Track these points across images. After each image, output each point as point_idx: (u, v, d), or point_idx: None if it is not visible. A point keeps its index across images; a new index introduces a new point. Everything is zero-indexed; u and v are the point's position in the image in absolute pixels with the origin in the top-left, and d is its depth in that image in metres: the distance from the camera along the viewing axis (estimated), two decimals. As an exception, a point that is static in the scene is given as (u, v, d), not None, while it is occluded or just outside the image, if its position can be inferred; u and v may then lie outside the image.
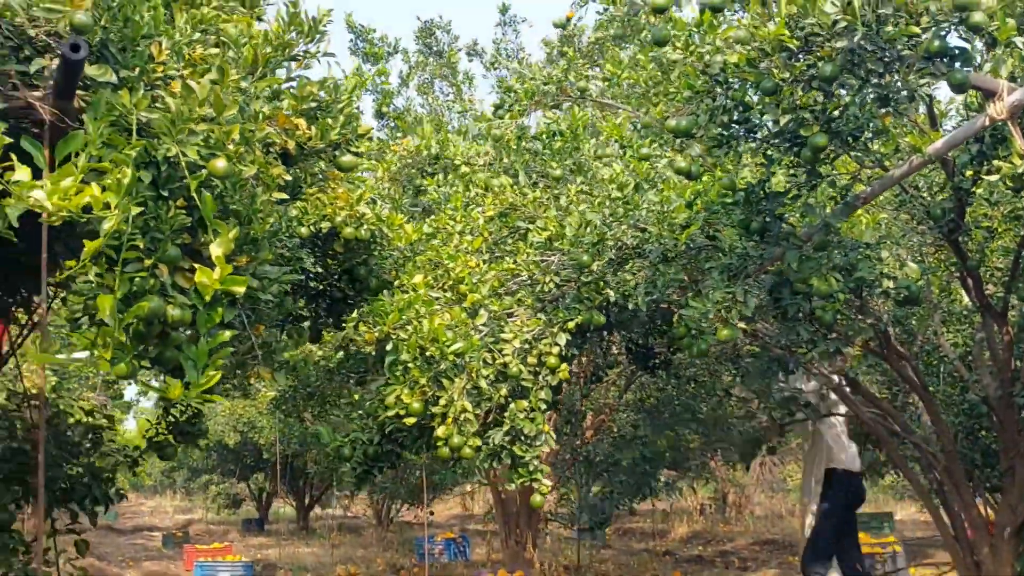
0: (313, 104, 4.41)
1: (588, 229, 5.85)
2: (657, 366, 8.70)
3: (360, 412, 6.06)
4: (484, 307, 5.88)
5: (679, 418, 13.13)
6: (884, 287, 6.07)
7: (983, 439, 8.03)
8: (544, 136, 7.12)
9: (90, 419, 5.77)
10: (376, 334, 5.78)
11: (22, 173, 3.35)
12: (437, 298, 6.08)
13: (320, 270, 6.01)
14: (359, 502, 31.82)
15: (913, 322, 8.10)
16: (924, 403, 7.84)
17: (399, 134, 11.44)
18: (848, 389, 8.17)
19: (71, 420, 5.72)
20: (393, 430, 5.88)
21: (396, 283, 6.18)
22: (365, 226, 5.97)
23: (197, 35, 4.05)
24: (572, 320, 5.91)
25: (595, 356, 9.75)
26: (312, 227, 5.62)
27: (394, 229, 6.29)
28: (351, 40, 14.34)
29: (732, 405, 13.27)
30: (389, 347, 5.76)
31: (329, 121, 4.38)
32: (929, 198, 6.70)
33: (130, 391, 23.10)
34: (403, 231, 6.35)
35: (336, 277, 6.35)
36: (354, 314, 5.87)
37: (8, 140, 3.37)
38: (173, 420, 5.53)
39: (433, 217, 6.71)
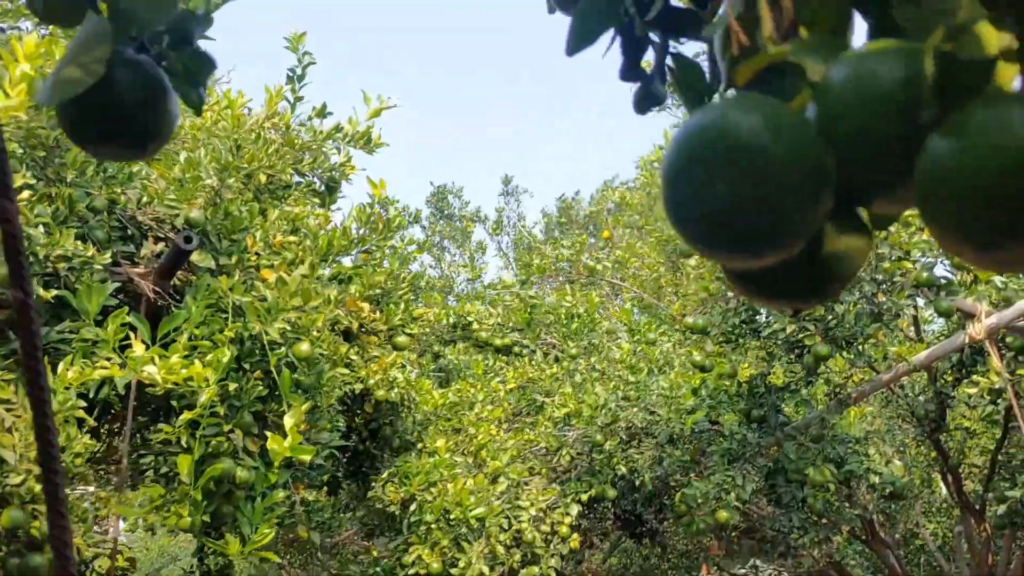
0: (378, 291, 4.98)
1: (603, 411, 6.36)
2: (644, 534, 9.04)
3: (378, 569, 6.37)
4: (504, 475, 6.31)
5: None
6: (871, 481, 6.55)
7: (961, 629, 8.32)
8: (562, 316, 7.72)
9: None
10: (402, 494, 6.16)
11: (139, 349, 3.86)
12: (459, 462, 6.51)
13: (346, 429, 6.46)
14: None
15: (896, 512, 8.53)
16: (906, 591, 8.18)
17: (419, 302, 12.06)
18: (835, 574, 8.51)
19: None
20: (410, 588, 6.19)
21: (419, 445, 6.62)
22: (396, 389, 6.45)
23: (285, 228, 4.65)
24: (585, 492, 6.35)
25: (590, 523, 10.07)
26: (344, 388, 6.11)
27: (421, 394, 6.79)
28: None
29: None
30: (413, 507, 6.15)
31: (392, 307, 4.94)
32: (913, 399, 7.27)
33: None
34: (430, 396, 6.84)
35: (359, 435, 6.80)
36: (384, 474, 6.26)
37: (127, 319, 3.90)
38: (207, 569, 5.84)
39: (456, 385, 7.21)
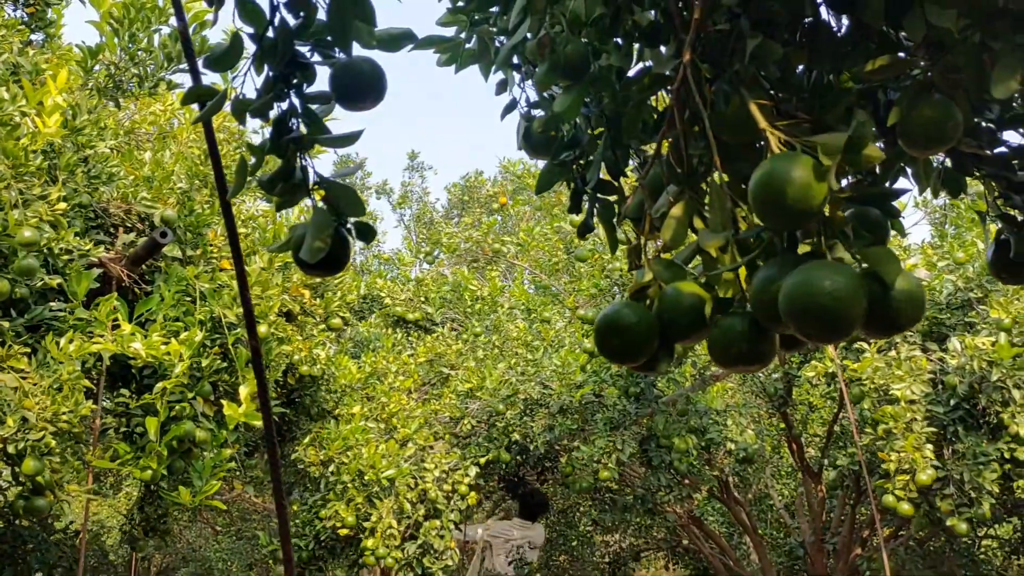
0: (316, 280, 5.76)
1: (505, 384, 7.30)
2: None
3: (297, 521, 7.16)
4: (412, 440, 7.19)
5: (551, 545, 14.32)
6: (728, 448, 7.71)
7: (799, 576, 9.67)
8: (468, 297, 8.61)
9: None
10: (321, 456, 6.97)
11: (126, 328, 4.56)
12: (371, 428, 7.35)
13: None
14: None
15: (749, 474, 9.80)
16: (753, 543, 9.46)
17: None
18: (695, 528, 9.72)
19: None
20: (327, 538, 7.02)
21: (336, 412, 7.42)
22: (318, 365, 7.23)
23: (242, 226, 5.37)
24: (483, 456, 7.29)
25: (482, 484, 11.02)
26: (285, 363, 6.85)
27: (340, 369, 7.57)
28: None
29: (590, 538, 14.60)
30: (331, 468, 6.97)
31: (329, 295, 5.73)
32: (766, 378, 8.47)
33: None
34: (348, 371, 7.63)
35: (281, 404, 7.56)
36: (306, 439, 7.05)
37: (116, 301, 4.59)
38: (145, 517, 6.53)
39: (371, 357, 8.02)
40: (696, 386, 7.47)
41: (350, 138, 1.70)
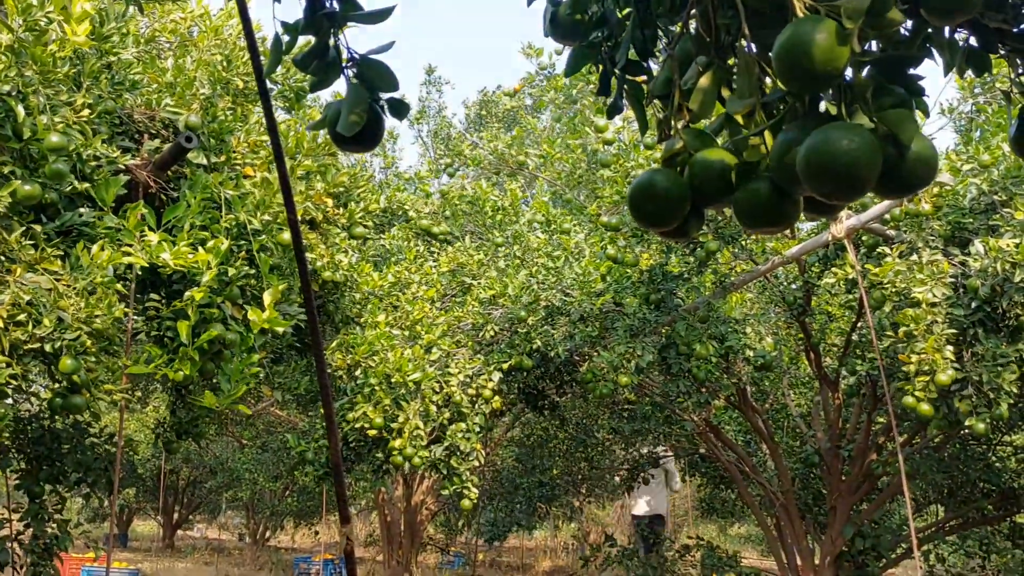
0: (340, 189, 5.80)
1: (526, 292, 7.38)
2: (545, 407, 10.23)
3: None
4: (436, 346, 7.31)
5: (569, 455, 14.62)
6: (746, 355, 7.79)
7: (814, 484, 9.85)
8: (489, 208, 8.65)
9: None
10: (348, 361, 7.11)
11: (154, 237, 4.63)
12: (396, 335, 7.47)
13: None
14: (222, 526, 32.12)
15: (767, 384, 9.92)
16: (770, 451, 9.63)
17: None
18: (712, 435, 9.89)
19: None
20: (355, 440, 7.21)
21: (361, 320, 7.54)
22: (340, 271, 7.32)
23: (261, 130, 5.39)
24: (506, 362, 7.41)
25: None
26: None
27: (362, 276, 7.67)
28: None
29: (609, 447, 14.88)
30: (359, 372, 7.11)
31: (352, 204, 5.79)
32: (785, 287, 8.51)
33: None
34: (370, 277, 7.73)
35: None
36: (333, 343, 7.18)
37: (144, 209, 4.66)
38: (177, 420, 6.71)
39: (396, 267, 8.11)
40: (717, 294, 7.53)
41: (382, 14, 1.73)
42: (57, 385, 4.41)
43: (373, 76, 1.71)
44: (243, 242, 5.23)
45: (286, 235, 5.06)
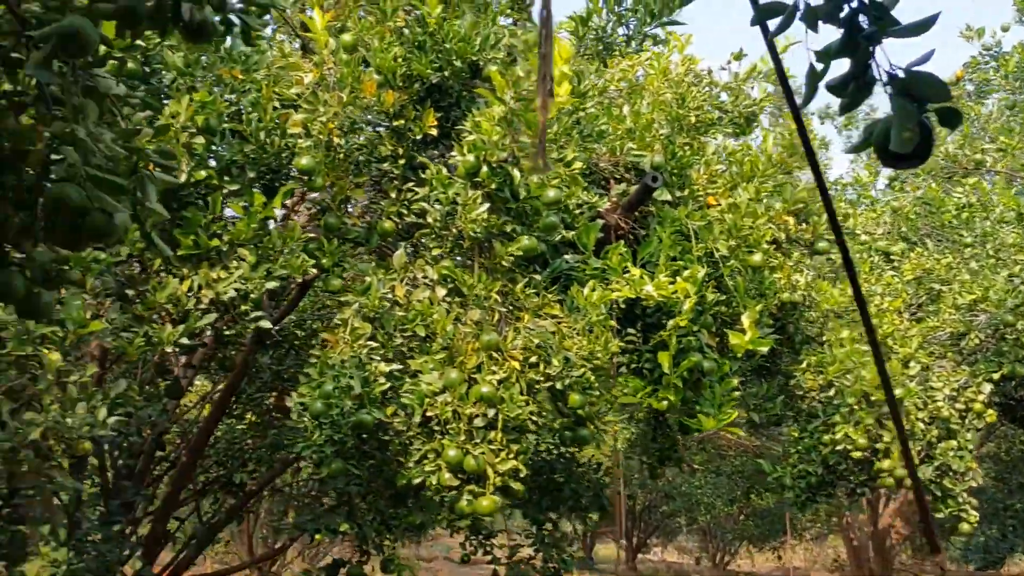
0: (799, 205, 5.74)
1: (1011, 294, 6.72)
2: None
3: (800, 448, 7.22)
4: (914, 359, 6.89)
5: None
6: None
7: None
8: (953, 208, 8.03)
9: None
10: (820, 381, 6.94)
11: (635, 272, 4.91)
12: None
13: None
14: (680, 550, 32.67)
15: None
16: None
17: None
18: None
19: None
20: (834, 462, 7.00)
21: (823, 338, 7.33)
22: (798, 291, 7.19)
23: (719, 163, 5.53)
24: (996, 372, 6.78)
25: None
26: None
27: (821, 293, 7.47)
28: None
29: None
30: (832, 392, 6.91)
31: (815, 219, 5.70)
32: None
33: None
34: (829, 294, 7.51)
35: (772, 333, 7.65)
36: (803, 363, 7.07)
37: (624, 250, 4.96)
38: (658, 448, 7.00)
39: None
40: None
41: (925, 25, 1.70)
42: (564, 419, 4.82)
43: (921, 88, 1.68)
44: (710, 270, 5.37)
45: (756, 257, 5.11)
